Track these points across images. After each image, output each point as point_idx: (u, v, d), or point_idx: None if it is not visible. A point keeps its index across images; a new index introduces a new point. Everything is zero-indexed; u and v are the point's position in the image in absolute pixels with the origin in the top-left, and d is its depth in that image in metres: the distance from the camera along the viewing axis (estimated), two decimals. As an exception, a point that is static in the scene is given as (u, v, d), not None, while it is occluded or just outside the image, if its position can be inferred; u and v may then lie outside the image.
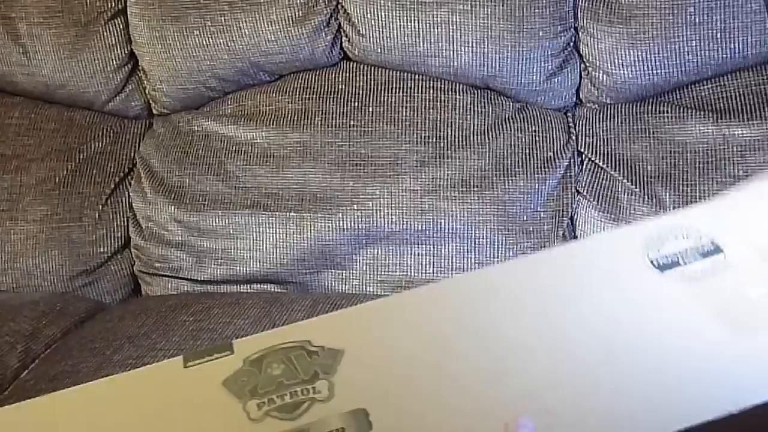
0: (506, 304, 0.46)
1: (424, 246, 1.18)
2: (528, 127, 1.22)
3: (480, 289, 0.47)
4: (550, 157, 1.19)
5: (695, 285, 0.45)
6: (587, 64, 1.22)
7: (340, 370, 0.40)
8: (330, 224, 1.18)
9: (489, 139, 1.21)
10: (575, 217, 1.19)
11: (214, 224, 1.21)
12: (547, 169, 1.19)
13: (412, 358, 0.42)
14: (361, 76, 1.26)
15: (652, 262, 0.47)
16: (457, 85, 1.24)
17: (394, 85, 1.25)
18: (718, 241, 0.48)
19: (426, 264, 1.18)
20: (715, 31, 1.14)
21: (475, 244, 1.17)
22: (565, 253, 0.52)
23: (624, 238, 0.51)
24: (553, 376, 0.41)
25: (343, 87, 1.26)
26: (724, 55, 1.15)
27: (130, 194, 1.28)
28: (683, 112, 1.18)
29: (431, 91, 1.24)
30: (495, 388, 0.41)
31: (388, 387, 0.40)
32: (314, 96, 1.25)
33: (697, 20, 1.14)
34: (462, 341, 0.43)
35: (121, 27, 1.29)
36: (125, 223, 1.27)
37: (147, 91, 1.33)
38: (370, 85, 1.25)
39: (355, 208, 1.18)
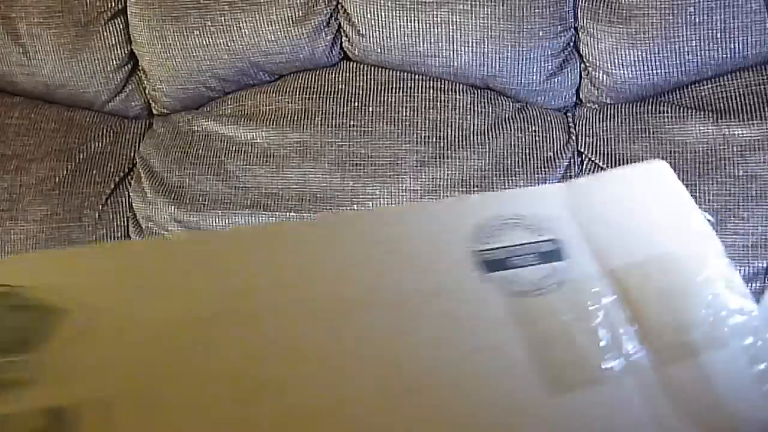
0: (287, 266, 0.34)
1: (424, 246, 1.17)
2: (528, 127, 1.22)
3: (255, 248, 0.35)
4: (550, 157, 1.19)
5: (524, 302, 0.35)
6: (587, 64, 1.22)
7: (62, 338, 0.28)
8: (330, 224, 1.18)
9: (489, 139, 1.20)
10: (575, 217, 1.19)
11: (214, 224, 1.21)
12: (547, 169, 1.19)
13: (165, 332, 0.30)
14: (361, 76, 1.26)
15: (477, 255, 0.36)
16: (457, 85, 1.24)
17: (394, 85, 1.25)
18: (561, 240, 0.38)
19: (426, 264, 1.17)
20: (715, 31, 1.14)
21: (475, 244, 1.17)
22: (381, 217, 0.40)
23: (453, 217, 0.38)
24: (334, 395, 0.30)
25: (343, 87, 1.26)
26: (724, 55, 1.15)
27: (130, 194, 1.27)
28: (683, 112, 1.18)
29: (431, 91, 1.24)
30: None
31: (119, 372, 0.28)
32: (314, 96, 1.25)
33: (697, 20, 1.14)
34: (229, 316, 0.32)
35: (121, 27, 1.29)
36: (125, 223, 1.27)
37: (147, 91, 1.33)
38: (370, 85, 1.25)
39: (355, 208, 1.18)
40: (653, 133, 1.18)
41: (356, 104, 1.24)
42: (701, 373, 0.34)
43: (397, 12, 1.20)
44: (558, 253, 0.37)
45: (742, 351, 0.35)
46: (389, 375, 0.31)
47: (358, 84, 1.26)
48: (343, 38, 1.27)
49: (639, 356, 0.34)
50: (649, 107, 1.20)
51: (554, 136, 1.21)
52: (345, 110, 1.24)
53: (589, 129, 1.21)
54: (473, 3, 1.18)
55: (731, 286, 0.37)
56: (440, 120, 1.22)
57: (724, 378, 0.34)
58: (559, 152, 1.20)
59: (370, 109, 1.23)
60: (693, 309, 0.36)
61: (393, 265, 0.35)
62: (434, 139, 1.21)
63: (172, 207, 1.23)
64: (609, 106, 1.23)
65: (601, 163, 1.18)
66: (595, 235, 0.38)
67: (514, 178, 1.18)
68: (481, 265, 0.36)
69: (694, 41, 1.15)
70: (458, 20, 1.18)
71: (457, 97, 1.23)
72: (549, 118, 1.23)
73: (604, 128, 1.21)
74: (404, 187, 1.18)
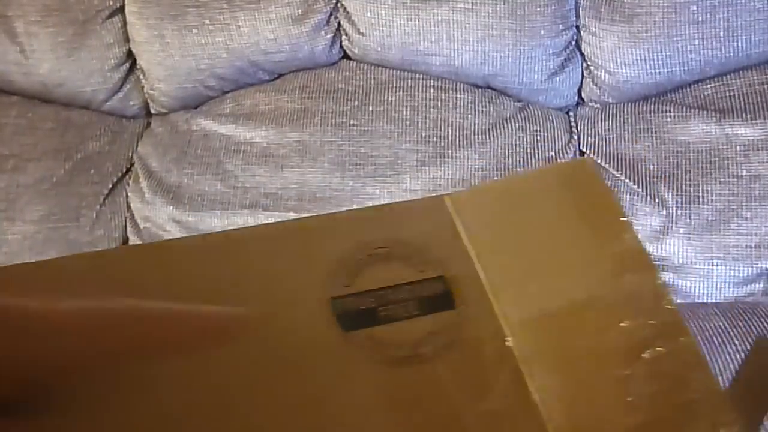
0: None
1: (424, 246, 1.17)
2: (529, 127, 1.21)
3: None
4: (552, 156, 1.19)
5: (399, 374, 0.26)
6: (589, 63, 1.21)
7: None
8: (329, 224, 1.17)
9: (490, 138, 1.20)
10: (577, 217, 1.18)
11: (212, 224, 1.20)
12: (548, 169, 1.18)
13: None
14: (361, 75, 1.25)
15: (336, 305, 0.27)
16: (458, 84, 1.23)
17: (394, 84, 1.24)
18: (452, 278, 0.28)
19: (426, 265, 1.17)
20: (718, 30, 1.13)
21: (476, 244, 1.16)
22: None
23: (311, 245, 0.30)
24: None
25: (343, 86, 1.25)
26: (728, 54, 1.14)
27: (128, 194, 1.27)
28: (686, 112, 1.17)
29: (432, 90, 1.23)
30: None
31: None
32: (314, 95, 1.24)
33: (700, 19, 1.13)
34: None
35: (118, 25, 1.28)
36: (123, 224, 1.26)
37: (145, 90, 1.32)
38: (370, 84, 1.24)
39: (355, 207, 1.17)
40: (656, 133, 1.17)
41: (356, 103, 1.23)
42: None
43: (398, 10, 1.19)
44: (447, 298, 0.28)
45: None
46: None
47: (357, 83, 1.25)
48: (343, 37, 1.26)
49: None
50: (652, 106, 1.19)
51: (556, 135, 1.20)
52: (345, 110, 1.23)
53: (591, 128, 1.21)
54: (474, 1, 1.17)
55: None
56: (441, 119, 1.21)
57: None
58: (560, 152, 1.19)
59: (370, 108, 1.23)
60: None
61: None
62: (434, 139, 1.20)
63: (171, 207, 1.22)
64: (611, 105, 1.22)
65: (603, 163, 1.17)
66: (498, 267, 0.29)
67: (515, 178, 1.17)
68: (341, 319, 0.27)
69: (696, 40, 1.14)
70: (459, 19, 1.17)
71: (458, 96, 1.22)
72: (550, 118, 1.22)
73: (606, 128, 1.20)
74: (404, 187, 1.17)
